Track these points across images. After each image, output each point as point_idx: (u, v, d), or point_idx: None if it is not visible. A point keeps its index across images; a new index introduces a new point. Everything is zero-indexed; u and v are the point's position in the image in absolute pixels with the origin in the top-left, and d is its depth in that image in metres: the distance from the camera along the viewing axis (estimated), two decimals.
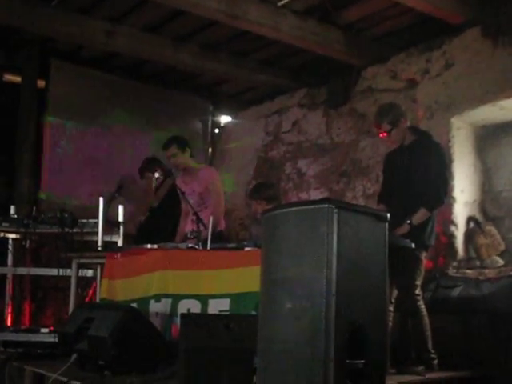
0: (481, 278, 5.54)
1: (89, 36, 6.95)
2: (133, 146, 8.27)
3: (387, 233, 3.25)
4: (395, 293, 4.75)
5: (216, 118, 9.26)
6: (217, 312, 4.38)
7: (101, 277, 5.54)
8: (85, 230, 5.62)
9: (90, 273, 5.81)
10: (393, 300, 4.72)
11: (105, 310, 4.44)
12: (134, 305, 4.77)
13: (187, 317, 3.92)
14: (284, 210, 3.25)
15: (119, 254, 5.26)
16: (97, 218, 5.57)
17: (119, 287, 5.14)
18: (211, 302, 4.46)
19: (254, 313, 4.00)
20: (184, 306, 4.55)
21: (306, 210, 3.13)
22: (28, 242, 5.83)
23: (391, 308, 4.68)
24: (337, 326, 2.97)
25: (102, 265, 5.43)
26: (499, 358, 4.82)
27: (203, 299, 4.50)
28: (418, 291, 4.70)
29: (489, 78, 6.09)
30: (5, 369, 4.65)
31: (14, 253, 5.97)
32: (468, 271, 5.92)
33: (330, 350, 2.95)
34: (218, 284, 4.49)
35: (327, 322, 2.95)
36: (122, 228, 5.74)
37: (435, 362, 4.65)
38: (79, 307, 5.01)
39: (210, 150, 9.27)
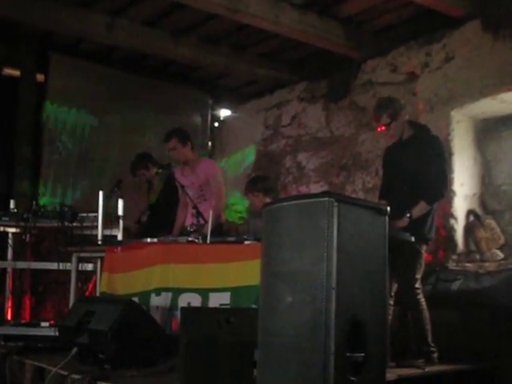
0: (481, 271, 5.54)
1: (88, 29, 6.97)
2: (132, 140, 8.24)
3: (387, 226, 3.25)
4: (395, 286, 4.74)
5: (216, 112, 9.25)
6: (217, 305, 4.39)
7: (101, 271, 5.54)
8: (84, 224, 5.63)
9: (90, 267, 5.80)
10: (392, 294, 4.72)
11: (105, 303, 4.45)
12: (135, 298, 4.77)
13: (187, 310, 3.92)
14: (284, 204, 3.25)
15: (119, 248, 5.26)
16: (97, 211, 5.57)
17: (119, 281, 5.14)
18: (212, 295, 4.47)
19: (254, 306, 4.00)
20: (184, 300, 4.56)
21: (306, 204, 3.12)
22: (28, 236, 5.83)
23: (391, 301, 4.68)
24: (337, 320, 2.97)
25: (102, 259, 5.44)
26: (499, 351, 4.82)
27: (204, 293, 4.51)
28: (417, 285, 4.69)
29: (489, 71, 6.07)
30: (5, 362, 4.65)
31: (13, 247, 5.97)
32: (468, 264, 5.93)
33: (330, 343, 2.95)
34: (219, 278, 4.49)
35: (327, 316, 2.95)
36: (121, 222, 5.73)
37: (435, 355, 4.64)
38: (79, 301, 5.02)
39: (209, 143, 9.27)
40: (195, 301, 4.50)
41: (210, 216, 4.96)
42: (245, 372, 3.51)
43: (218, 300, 4.42)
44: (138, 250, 5.12)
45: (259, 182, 6.02)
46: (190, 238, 4.96)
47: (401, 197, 4.74)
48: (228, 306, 4.33)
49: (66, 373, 3.96)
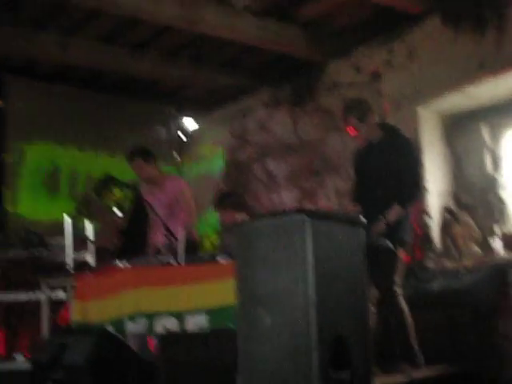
0: (459, 268, 5.48)
1: (42, 50, 6.82)
2: (96, 159, 8.11)
3: (364, 238, 3.16)
4: (375, 292, 4.66)
5: (181, 124, 9.10)
6: (195, 328, 4.26)
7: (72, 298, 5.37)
8: (53, 250, 5.46)
9: (62, 294, 5.62)
10: (374, 300, 4.64)
11: (78, 335, 4.30)
12: (109, 326, 4.62)
13: (164, 338, 3.80)
14: (257, 223, 3.15)
15: (90, 274, 5.10)
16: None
17: (92, 308, 4.97)
18: (188, 318, 4.33)
19: (232, 326, 3.89)
20: (160, 324, 4.40)
21: (278, 223, 3.02)
22: None
23: (373, 308, 4.60)
24: (318, 339, 2.88)
25: (74, 286, 5.27)
26: (483, 352, 4.77)
27: (179, 316, 4.37)
28: (396, 288, 4.62)
29: (452, 64, 6.06)
30: None
31: None
32: (446, 262, 5.87)
33: (312, 364, 2.86)
34: (194, 299, 4.36)
35: (308, 337, 2.86)
36: (91, 246, 5.57)
37: (420, 358, 4.57)
38: (52, 332, 4.86)
39: (176, 155, 9.12)
40: (171, 324, 4.35)
41: (181, 235, 4.83)
42: None
43: (194, 322, 4.28)
44: (110, 275, 4.97)
45: (226, 198, 5.95)
46: (162, 258, 4.84)
47: (374, 201, 4.66)
48: (206, 328, 4.21)
49: None
